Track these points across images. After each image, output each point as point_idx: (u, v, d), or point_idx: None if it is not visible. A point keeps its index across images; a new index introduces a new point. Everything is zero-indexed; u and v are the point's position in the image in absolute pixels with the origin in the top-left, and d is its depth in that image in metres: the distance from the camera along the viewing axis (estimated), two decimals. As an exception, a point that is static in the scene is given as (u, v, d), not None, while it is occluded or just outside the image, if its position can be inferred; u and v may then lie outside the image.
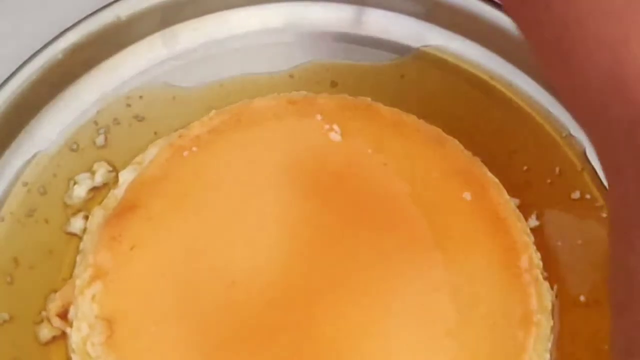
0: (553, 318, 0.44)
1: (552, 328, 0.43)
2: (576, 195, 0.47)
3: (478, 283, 0.42)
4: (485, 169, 0.46)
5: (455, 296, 0.42)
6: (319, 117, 0.46)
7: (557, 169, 0.48)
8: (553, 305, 0.44)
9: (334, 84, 0.50)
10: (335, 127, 0.45)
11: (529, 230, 0.45)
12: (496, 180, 0.46)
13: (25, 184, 0.47)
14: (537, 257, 0.44)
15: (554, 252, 0.46)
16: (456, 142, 0.47)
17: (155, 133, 0.48)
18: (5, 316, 0.44)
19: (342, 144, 0.45)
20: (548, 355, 0.43)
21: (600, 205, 0.47)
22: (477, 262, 0.43)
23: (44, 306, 0.44)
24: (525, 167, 0.48)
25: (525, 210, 0.46)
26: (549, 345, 0.43)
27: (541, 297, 0.43)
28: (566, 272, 0.45)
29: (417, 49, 0.51)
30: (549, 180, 0.48)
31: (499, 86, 0.50)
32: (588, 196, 0.47)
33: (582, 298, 0.45)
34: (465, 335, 0.41)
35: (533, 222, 0.46)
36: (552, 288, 0.45)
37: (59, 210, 0.46)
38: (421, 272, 0.42)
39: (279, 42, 0.51)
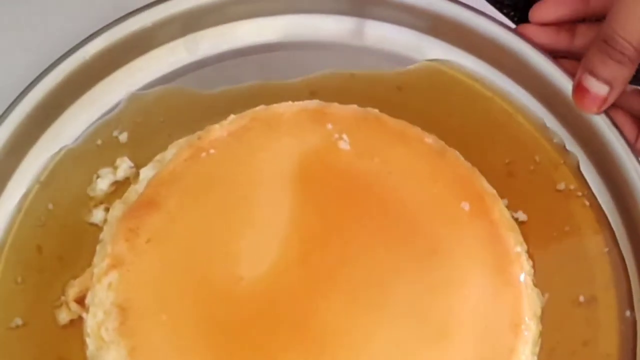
0: (542, 322, 0.45)
1: (541, 333, 0.44)
2: (561, 186, 0.48)
3: (471, 288, 0.43)
4: (483, 180, 0.47)
5: (449, 299, 0.43)
6: (329, 125, 0.47)
7: (537, 158, 0.49)
8: (542, 312, 0.45)
9: (343, 93, 0.50)
10: (345, 136, 0.46)
11: (521, 239, 0.46)
12: (493, 191, 0.47)
13: (51, 176, 0.48)
14: (528, 264, 0.45)
15: (544, 242, 0.47)
16: (456, 153, 0.47)
17: (169, 135, 0.49)
18: (19, 321, 0.45)
19: (350, 152, 0.46)
20: (536, 359, 0.44)
21: (582, 195, 0.48)
22: (471, 268, 0.44)
23: (61, 294, 0.45)
24: (507, 160, 0.49)
25: (512, 204, 0.48)
26: (537, 349, 0.44)
27: (531, 303, 0.44)
28: (556, 262, 0.47)
29: (416, 61, 0.52)
30: (532, 167, 0.49)
31: (496, 98, 0.51)
32: (572, 186, 0.48)
33: (579, 296, 0.46)
34: (456, 337, 0.42)
35: (521, 216, 0.48)
36: (542, 295, 0.46)
37: (81, 202, 0.47)
38: (417, 275, 0.43)
39: (293, 52, 0.52)
